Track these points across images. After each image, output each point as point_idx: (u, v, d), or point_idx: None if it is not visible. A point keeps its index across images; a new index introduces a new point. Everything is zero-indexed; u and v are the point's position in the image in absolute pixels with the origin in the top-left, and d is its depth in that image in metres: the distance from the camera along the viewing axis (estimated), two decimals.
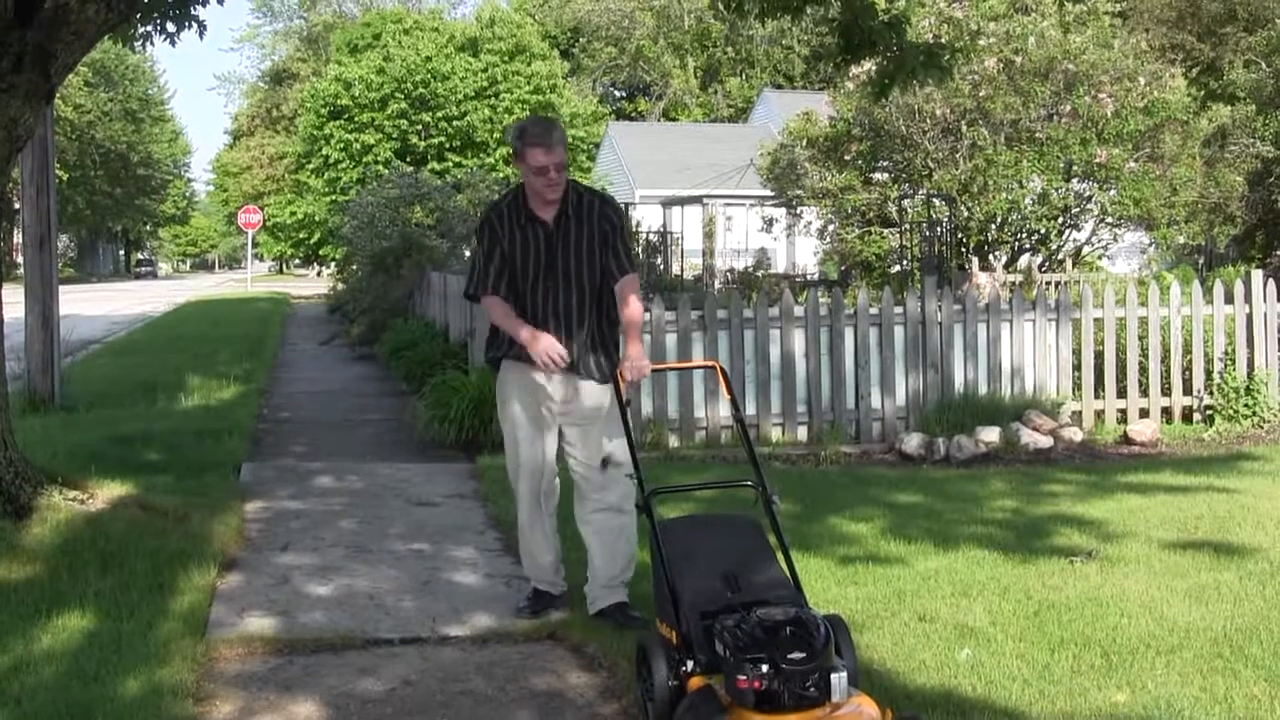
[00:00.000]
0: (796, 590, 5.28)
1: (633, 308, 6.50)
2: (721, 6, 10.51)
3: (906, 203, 22.32)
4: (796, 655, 4.56)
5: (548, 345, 6.30)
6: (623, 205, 6.89)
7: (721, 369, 6.40)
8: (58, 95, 10.82)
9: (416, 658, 6.13)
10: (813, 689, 4.55)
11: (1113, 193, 21.47)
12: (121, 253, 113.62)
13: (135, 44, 11.68)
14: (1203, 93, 28.64)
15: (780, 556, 5.45)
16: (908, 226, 22.08)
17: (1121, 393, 13.35)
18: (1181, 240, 24.84)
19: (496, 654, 6.20)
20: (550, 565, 6.82)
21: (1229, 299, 13.58)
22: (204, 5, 10.94)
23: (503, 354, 6.63)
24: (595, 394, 6.57)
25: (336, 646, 6.25)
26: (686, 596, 5.12)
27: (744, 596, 5.06)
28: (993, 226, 21.80)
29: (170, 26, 10.97)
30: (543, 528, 6.78)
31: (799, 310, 12.74)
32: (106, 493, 8.84)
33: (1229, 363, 13.44)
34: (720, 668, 4.77)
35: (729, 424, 12.38)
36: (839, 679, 4.57)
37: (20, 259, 27.15)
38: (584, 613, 6.64)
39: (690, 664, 4.95)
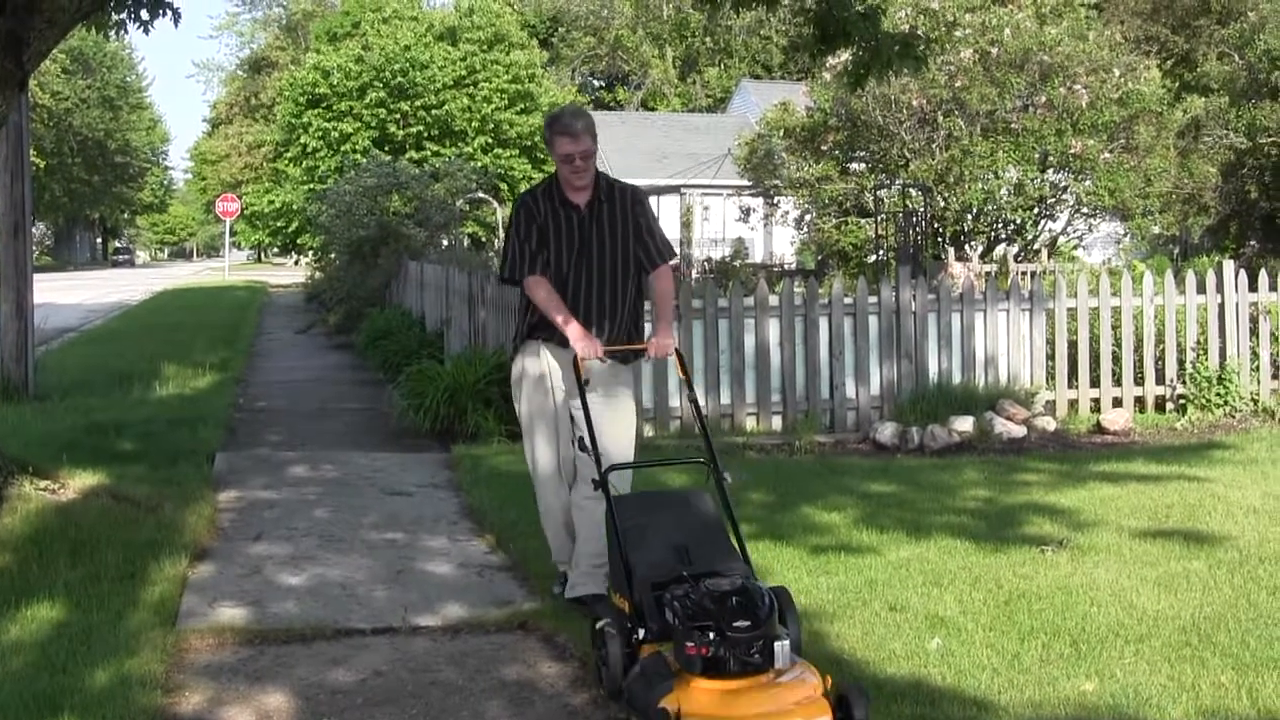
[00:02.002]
0: (744, 563, 5.48)
1: (662, 291, 6.79)
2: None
3: (883, 193, 22.31)
4: (742, 624, 4.81)
5: (591, 346, 6.35)
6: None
7: (678, 351, 6.64)
8: (34, 82, 10.78)
9: (388, 648, 6.13)
10: (757, 656, 4.79)
11: (1088, 183, 21.51)
12: (99, 241, 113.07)
13: (109, 32, 11.63)
14: (1177, 84, 28.73)
15: (730, 531, 5.65)
16: (884, 216, 22.09)
17: (1095, 382, 13.39)
18: (1156, 230, 24.92)
19: (468, 644, 6.21)
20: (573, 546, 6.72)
21: (1201, 289, 13.62)
22: None
23: (539, 336, 6.69)
24: (620, 375, 6.77)
25: (307, 637, 6.24)
26: (639, 569, 5.36)
27: (694, 569, 5.25)
28: (969, 216, 21.82)
29: (144, 14, 10.91)
30: (566, 510, 6.75)
31: (774, 300, 12.75)
32: (78, 482, 8.82)
33: (1201, 352, 13.48)
34: (670, 636, 4.99)
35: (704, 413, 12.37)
36: (782, 647, 4.82)
37: None
38: (555, 603, 6.64)
39: (641, 633, 5.17)
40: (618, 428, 6.67)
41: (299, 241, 48.83)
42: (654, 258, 6.79)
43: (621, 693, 5.18)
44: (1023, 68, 20.84)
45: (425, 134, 46.75)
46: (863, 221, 22.92)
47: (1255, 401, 13.40)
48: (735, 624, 4.82)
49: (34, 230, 16.19)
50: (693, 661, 4.81)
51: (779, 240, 32.17)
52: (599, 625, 5.49)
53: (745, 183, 27.88)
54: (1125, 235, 25.37)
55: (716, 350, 12.49)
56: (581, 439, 6.20)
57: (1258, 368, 13.55)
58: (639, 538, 5.53)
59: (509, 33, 51.32)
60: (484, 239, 32.16)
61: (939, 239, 22.07)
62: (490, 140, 47.06)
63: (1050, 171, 21.76)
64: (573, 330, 6.39)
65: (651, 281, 6.83)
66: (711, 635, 4.80)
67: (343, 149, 44.93)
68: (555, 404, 6.71)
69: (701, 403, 12.21)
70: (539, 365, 6.73)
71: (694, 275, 24.91)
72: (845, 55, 10.98)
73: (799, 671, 4.88)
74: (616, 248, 6.70)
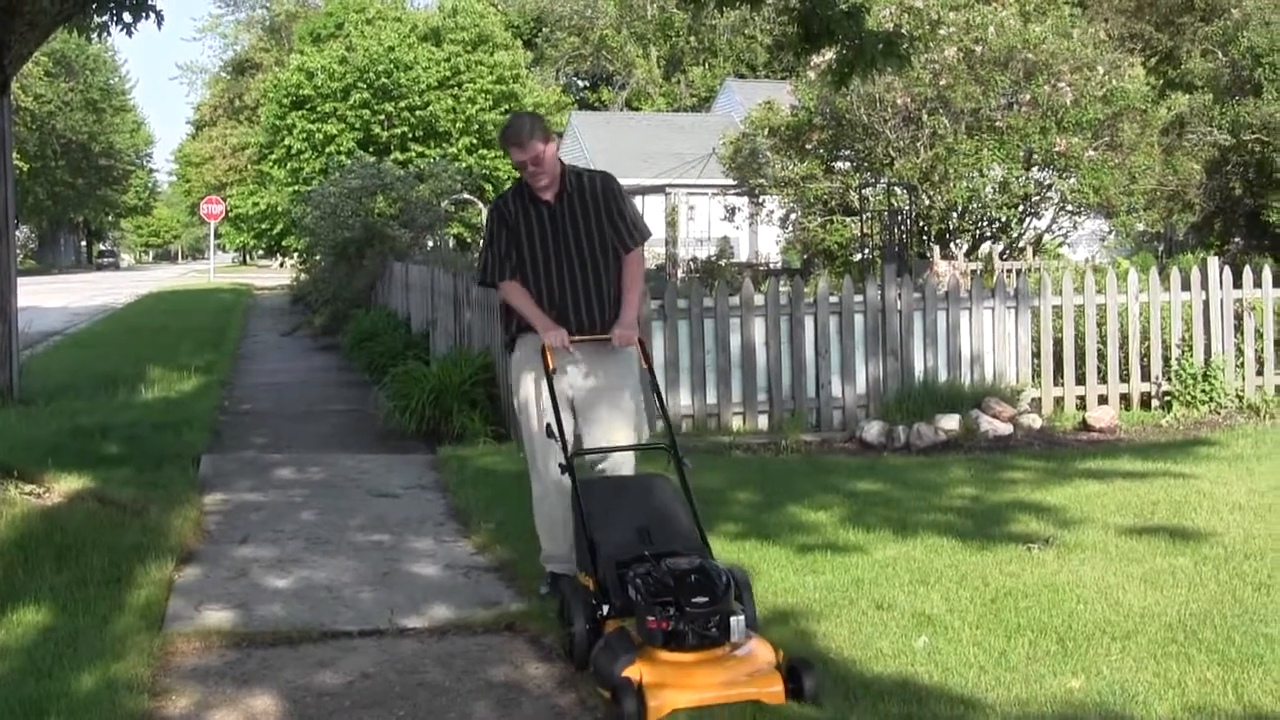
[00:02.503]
0: (703, 543, 5.82)
1: (629, 278, 6.93)
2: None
3: (868, 191, 22.34)
4: (700, 599, 5.17)
5: (558, 336, 6.59)
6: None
7: (641, 341, 6.88)
8: (16, 85, 10.76)
9: (375, 650, 6.12)
10: (714, 630, 5.15)
11: (1072, 181, 21.54)
12: (83, 244, 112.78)
13: (92, 34, 11.62)
14: (1161, 82, 28.79)
15: (689, 513, 5.98)
16: (869, 215, 22.12)
17: (1080, 379, 13.41)
18: (1141, 228, 25.00)
19: (455, 645, 6.20)
20: (567, 545, 6.64)
21: (1186, 286, 13.65)
22: None
23: (522, 332, 6.90)
24: (619, 360, 6.91)
25: (294, 639, 6.23)
26: (603, 548, 5.70)
27: (655, 548, 5.59)
28: (954, 215, 21.85)
29: (127, 17, 10.91)
30: (562, 504, 6.60)
31: (759, 299, 12.75)
32: (64, 486, 8.81)
33: (1186, 349, 13.51)
34: (633, 612, 5.33)
35: (689, 413, 12.40)
36: (737, 621, 5.20)
37: None
38: (543, 604, 6.63)
39: (606, 608, 5.54)
40: (617, 411, 6.86)
41: (284, 243, 48.84)
42: (625, 241, 6.95)
43: (587, 665, 5.48)
44: (1007, 66, 20.86)
45: (410, 135, 46.78)
46: (848, 220, 22.95)
47: (1240, 398, 13.43)
48: (694, 600, 5.16)
49: (18, 234, 16.12)
50: (654, 635, 5.15)
51: (764, 239, 32.18)
52: (563, 594, 5.96)
53: (730, 182, 27.90)
54: (1110, 232, 25.43)
55: (702, 350, 12.49)
56: (549, 425, 6.37)
57: (1242, 364, 13.58)
58: (604, 519, 5.85)
59: (493, 33, 51.38)
60: (469, 240, 32.15)
61: (924, 237, 22.09)
62: (475, 141, 47.11)
63: (1035, 169, 21.79)
64: (540, 323, 6.66)
65: (624, 263, 6.98)
66: (671, 610, 5.14)
67: (327, 150, 44.96)
68: (544, 394, 6.72)
69: (688, 402, 12.33)
70: (529, 360, 6.85)
71: (679, 274, 24.92)
72: (829, 54, 10.99)
73: (753, 646, 5.25)
74: (592, 235, 6.87)
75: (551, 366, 6.51)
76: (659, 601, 5.20)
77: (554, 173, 6.85)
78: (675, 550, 5.57)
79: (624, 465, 6.81)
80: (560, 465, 6.18)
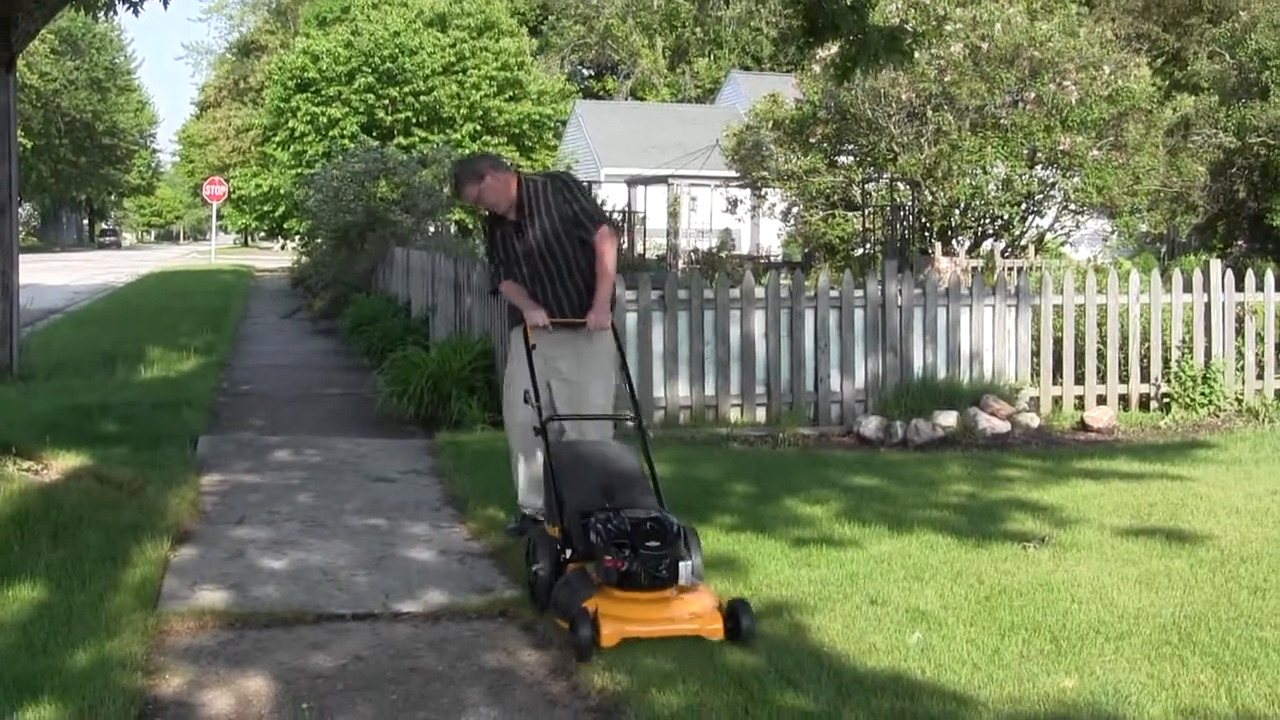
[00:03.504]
0: (658, 500, 6.57)
1: (600, 263, 7.73)
2: None
3: (871, 186, 22.35)
4: (652, 544, 5.95)
5: (539, 316, 7.54)
6: (581, 179, 8.58)
7: (614, 326, 7.75)
8: (22, 62, 10.74)
9: (368, 634, 6.12)
10: (664, 572, 5.92)
11: (1076, 180, 21.57)
12: (85, 222, 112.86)
13: (99, 13, 11.61)
14: (1167, 82, 28.80)
15: (649, 475, 6.78)
16: (871, 210, 22.12)
17: (1079, 379, 13.40)
18: (1144, 228, 25.02)
19: (448, 631, 6.20)
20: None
21: (1188, 288, 13.64)
22: None
23: (519, 323, 7.74)
24: (596, 341, 7.80)
25: (288, 621, 6.23)
26: (570, 501, 6.45)
27: (616, 503, 6.36)
28: (956, 211, 21.87)
29: None
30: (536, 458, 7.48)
31: (759, 292, 12.74)
32: (61, 463, 8.82)
33: (1186, 351, 13.50)
34: (593, 556, 6.10)
35: (687, 404, 12.40)
36: (685, 566, 5.98)
37: None
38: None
39: (568, 552, 6.29)
40: (593, 385, 7.79)
41: (286, 226, 48.82)
42: (586, 229, 7.75)
43: (549, 599, 6.26)
44: (1013, 63, 20.88)
45: (413, 120, 46.74)
46: (850, 215, 22.98)
47: (1239, 401, 13.43)
48: (647, 544, 5.95)
49: (20, 211, 16.11)
50: (610, 573, 5.93)
51: (766, 232, 32.21)
52: (531, 540, 6.71)
53: (733, 174, 27.92)
54: (1113, 232, 25.45)
55: (701, 341, 12.48)
56: (526, 392, 7.27)
57: (1243, 367, 13.58)
58: (571, 476, 6.61)
59: (498, 20, 51.31)
60: (470, 226, 32.12)
61: (926, 233, 22.11)
62: (479, 127, 47.06)
63: (1039, 168, 21.82)
64: (525, 306, 7.64)
65: (595, 249, 7.78)
66: (627, 553, 5.92)
67: (331, 134, 44.92)
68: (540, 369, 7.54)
69: (686, 393, 12.34)
70: (523, 341, 7.59)
71: (680, 265, 24.91)
72: (834, 48, 10.99)
73: (699, 591, 6.08)
74: (556, 235, 7.74)
75: (532, 343, 7.40)
76: (616, 544, 5.96)
77: (506, 198, 7.74)
78: (633, 504, 6.37)
79: (592, 433, 7.56)
80: (534, 428, 6.98)
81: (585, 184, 8.33)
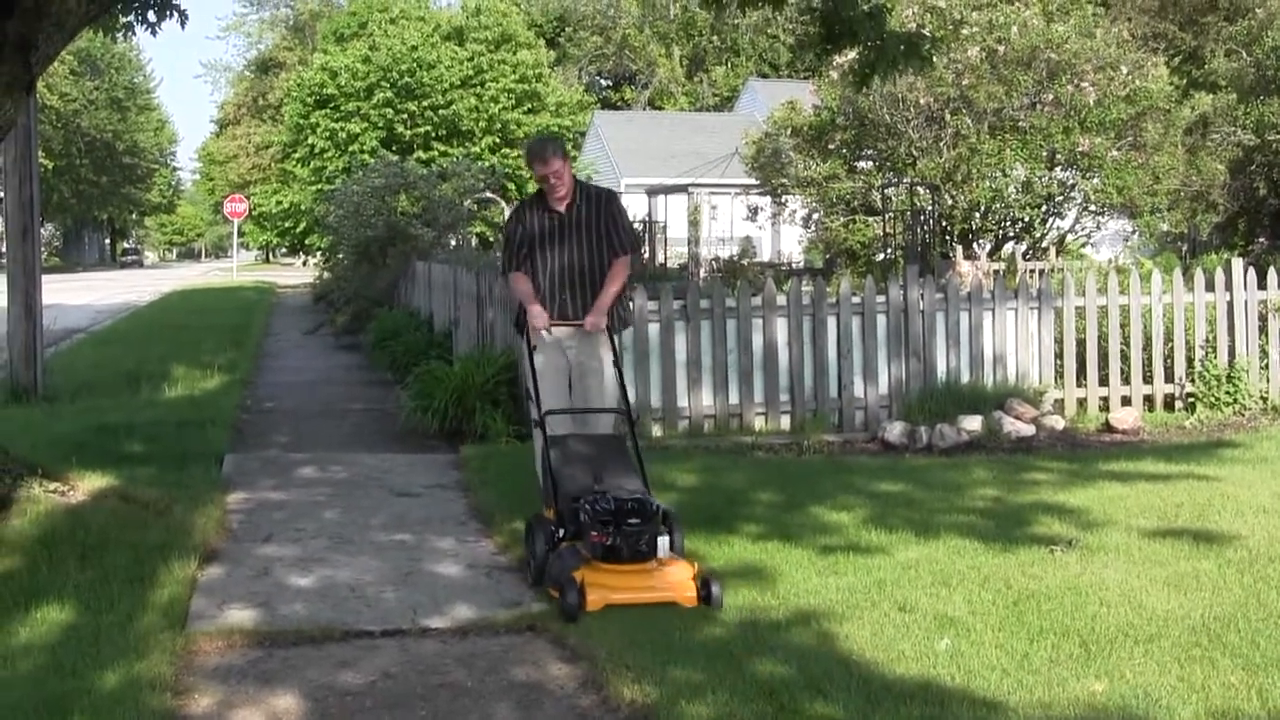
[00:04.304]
0: (643, 485, 7.32)
1: (613, 274, 8.41)
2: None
3: (890, 191, 22.33)
4: (634, 521, 6.75)
5: (542, 318, 8.20)
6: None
7: (609, 329, 8.38)
8: (42, 84, 10.79)
9: (397, 650, 6.13)
10: (644, 547, 6.73)
11: (1095, 181, 21.49)
12: (107, 241, 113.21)
13: (117, 34, 11.65)
14: (1184, 81, 28.72)
15: (637, 464, 7.55)
16: (892, 215, 22.10)
17: (1103, 380, 13.36)
18: (1164, 228, 24.92)
19: (477, 646, 6.21)
20: None
21: (1210, 287, 13.60)
22: None
23: (526, 322, 8.32)
24: (598, 342, 8.41)
25: (317, 639, 6.25)
26: (563, 486, 7.27)
27: (604, 487, 7.12)
28: (976, 215, 21.82)
29: (151, 16, 10.93)
30: None
31: (781, 299, 12.74)
32: (88, 484, 8.83)
33: (1210, 350, 13.45)
34: (582, 535, 6.85)
35: (711, 413, 12.40)
36: (663, 542, 6.79)
37: (3, 249, 27.05)
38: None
39: (561, 532, 7.04)
40: (592, 380, 8.44)
41: (307, 242, 48.93)
42: (616, 248, 8.45)
43: (544, 574, 7.01)
44: (1030, 65, 20.83)
45: (433, 134, 46.81)
46: (870, 220, 22.95)
47: (1264, 400, 13.38)
48: (629, 522, 6.73)
49: (42, 232, 16.18)
50: (596, 548, 6.72)
51: (786, 239, 32.16)
52: (529, 523, 7.48)
53: (753, 181, 27.91)
54: (1133, 233, 25.35)
55: (724, 350, 12.48)
56: (528, 389, 8.18)
57: (1267, 366, 13.53)
58: (566, 464, 7.42)
59: (516, 32, 51.39)
60: (491, 239, 32.17)
61: (947, 237, 22.07)
62: (498, 140, 47.13)
63: (1058, 169, 21.75)
64: (528, 304, 8.28)
65: (611, 265, 8.46)
66: (610, 529, 6.70)
67: (350, 149, 45.01)
68: (547, 364, 8.33)
69: (710, 402, 12.37)
70: (528, 343, 8.28)
71: (702, 274, 24.92)
72: (851, 54, 10.97)
73: (676, 564, 6.83)
74: (592, 241, 8.40)
75: (533, 343, 8.15)
76: (601, 522, 6.75)
77: (569, 186, 8.37)
78: (620, 489, 7.12)
79: (599, 426, 8.27)
80: (534, 421, 7.88)
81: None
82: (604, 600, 6.51)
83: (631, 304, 9.50)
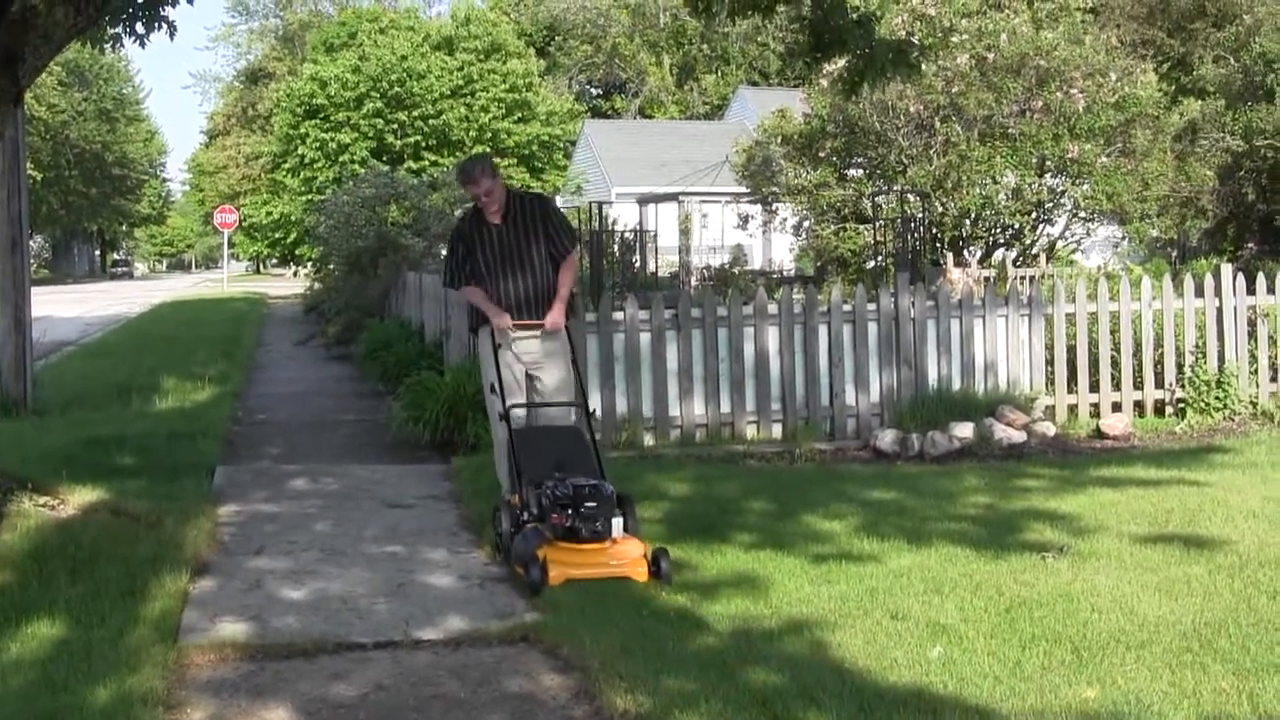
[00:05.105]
0: (599, 472, 7.96)
1: (561, 278, 8.95)
2: (690, 7, 10.48)
3: (881, 199, 22.32)
4: (590, 504, 7.42)
5: (503, 320, 8.72)
6: (553, 197, 9.43)
7: (568, 328, 8.98)
8: (30, 95, 10.77)
9: (389, 662, 6.13)
10: (600, 528, 7.39)
11: (1085, 187, 21.52)
12: (97, 253, 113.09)
13: (105, 45, 11.65)
14: (1173, 88, 28.80)
15: (593, 452, 8.26)
16: (882, 222, 22.10)
17: (1094, 387, 13.39)
18: (1154, 234, 24.92)
19: (469, 657, 6.21)
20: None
21: (1199, 292, 13.63)
22: (173, 6, 10.90)
23: (483, 323, 8.86)
24: (557, 342, 8.93)
25: (309, 651, 6.24)
26: (526, 473, 7.90)
27: (564, 474, 7.69)
28: (967, 222, 21.84)
29: (140, 28, 10.93)
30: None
31: (773, 308, 12.75)
32: (78, 498, 8.81)
33: (1200, 356, 13.49)
34: (544, 518, 7.48)
35: (703, 422, 12.41)
36: (618, 522, 7.46)
37: None
38: (558, 615, 6.65)
39: (525, 515, 7.65)
40: (553, 378, 8.92)
41: (297, 253, 48.86)
42: (558, 248, 8.97)
43: (510, 553, 7.61)
44: (1019, 73, 20.85)
45: (423, 144, 46.78)
46: (861, 228, 22.93)
47: (1254, 405, 13.41)
48: (586, 505, 7.40)
49: (32, 243, 16.15)
50: (556, 529, 7.37)
51: (778, 247, 32.20)
52: (496, 507, 8.15)
53: (743, 190, 27.88)
54: (1123, 239, 25.41)
55: (716, 359, 12.49)
56: (492, 385, 8.66)
57: (1256, 371, 13.56)
58: (528, 453, 8.10)
59: (506, 42, 51.39)
60: None
61: (937, 244, 22.08)
62: (488, 149, 47.06)
63: (1048, 176, 21.79)
64: (491, 312, 8.76)
65: (559, 268, 8.99)
66: (569, 512, 7.37)
67: (340, 159, 44.97)
68: (505, 365, 8.78)
69: (702, 411, 12.39)
70: (489, 341, 8.80)
71: (693, 282, 24.91)
72: (841, 62, 10.99)
73: (630, 543, 7.49)
74: (531, 248, 8.90)
75: (497, 343, 8.67)
76: (561, 504, 7.41)
77: (500, 200, 8.87)
78: (578, 475, 7.71)
79: (559, 419, 8.82)
80: (499, 414, 8.40)
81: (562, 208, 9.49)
82: (564, 576, 7.18)
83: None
